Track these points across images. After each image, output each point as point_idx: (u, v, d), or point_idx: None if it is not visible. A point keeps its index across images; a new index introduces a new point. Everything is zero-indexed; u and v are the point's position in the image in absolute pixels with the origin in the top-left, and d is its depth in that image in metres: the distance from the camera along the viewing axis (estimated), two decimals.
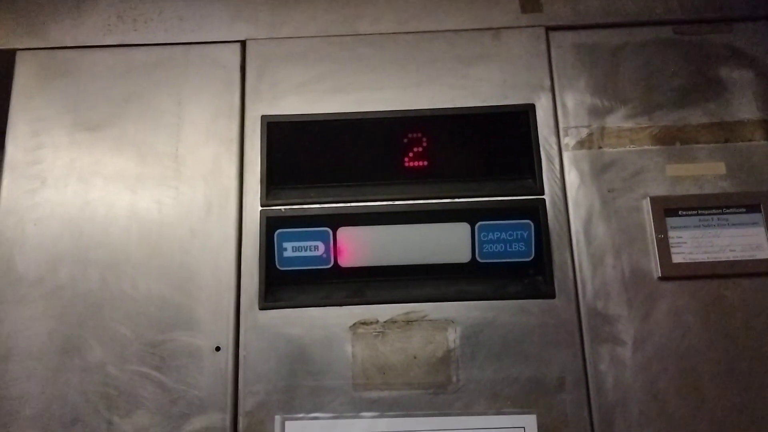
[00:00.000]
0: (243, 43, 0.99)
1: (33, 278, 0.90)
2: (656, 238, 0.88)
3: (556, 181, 0.91)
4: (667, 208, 0.89)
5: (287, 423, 0.82)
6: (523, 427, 0.81)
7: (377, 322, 0.86)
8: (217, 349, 0.86)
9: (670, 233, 0.89)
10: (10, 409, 0.85)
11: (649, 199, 0.89)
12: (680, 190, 0.91)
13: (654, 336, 0.85)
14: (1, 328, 0.88)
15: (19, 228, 0.92)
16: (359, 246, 0.90)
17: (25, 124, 0.96)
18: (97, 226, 0.92)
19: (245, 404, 0.83)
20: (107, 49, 1.00)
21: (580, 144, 0.93)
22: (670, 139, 0.93)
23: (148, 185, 0.93)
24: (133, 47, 1.00)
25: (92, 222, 0.92)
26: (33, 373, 0.86)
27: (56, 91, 0.98)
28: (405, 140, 0.94)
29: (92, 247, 0.91)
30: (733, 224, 0.89)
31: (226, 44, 0.99)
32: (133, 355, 0.86)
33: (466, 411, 0.83)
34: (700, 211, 0.89)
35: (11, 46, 1.00)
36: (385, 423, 0.82)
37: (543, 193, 0.91)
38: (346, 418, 0.82)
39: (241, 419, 0.83)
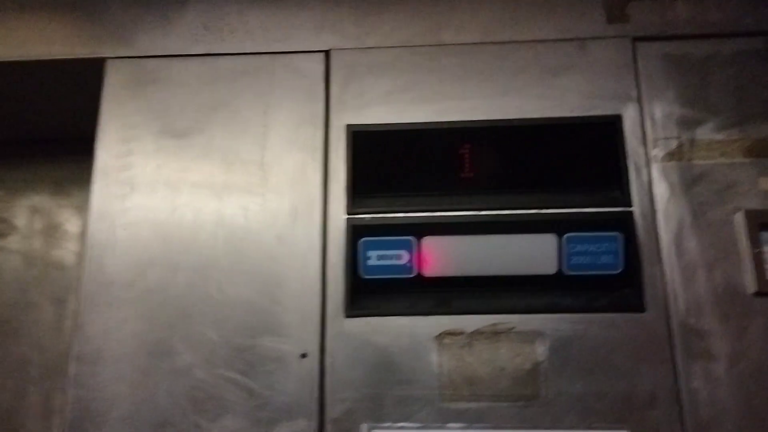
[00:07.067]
0: (327, 53, 1.00)
1: (123, 282, 0.91)
2: (752, 252, 0.85)
3: (644, 193, 0.90)
4: (762, 222, 0.86)
5: None
6: None
7: (464, 332, 0.86)
8: (304, 355, 0.86)
9: (765, 248, 0.86)
10: (100, 409, 0.86)
11: (743, 212, 0.87)
12: None
13: (750, 352, 0.83)
14: (91, 330, 0.90)
15: (110, 232, 0.94)
16: (444, 255, 0.90)
17: (115, 131, 0.99)
18: (185, 231, 0.93)
19: (332, 412, 0.84)
20: (195, 58, 1.02)
21: (669, 156, 0.91)
22: (763, 151, 0.91)
23: (234, 192, 0.94)
24: (220, 56, 1.01)
25: (180, 227, 0.93)
26: (122, 375, 0.87)
27: (145, 99, 1.00)
28: (490, 150, 0.94)
29: (180, 252, 0.92)
30: None
31: (311, 54, 1.00)
32: (220, 360, 0.87)
33: (556, 425, 0.82)
34: None
35: (101, 55, 1.03)
36: None
37: (632, 205, 0.89)
38: (434, 428, 0.82)
39: (328, 427, 0.83)
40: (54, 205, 1.26)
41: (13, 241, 1.24)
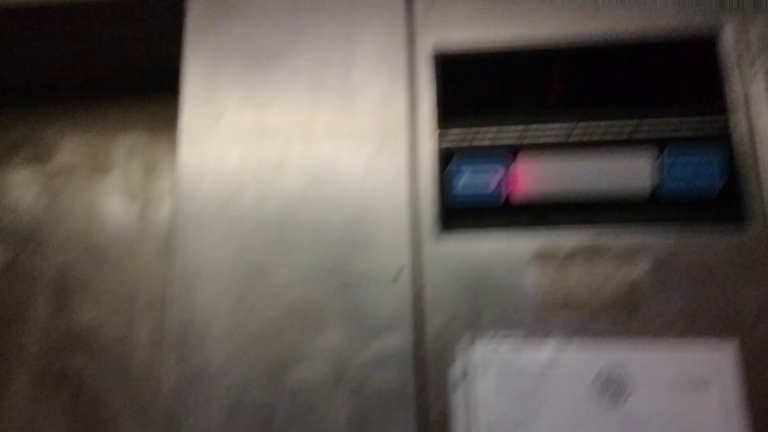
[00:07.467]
0: None
1: (215, 207, 0.93)
2: None
3: (744, 111, 0.87)
4: None
5: (475, 344, 0.82)
6: (721, 355, 0.78)
7: (559, 252, 0.85)
8: (397, 276, 0.86)
9: None
10: (199, 331, 0.88)
11: None
12: None
13: None
14: (187, 256, 0.91)
15: (200, 159, 0.95)
16: (537, 176, 0.89)
17: (200, 61, 0.99)
18: (274, 156, 0.94)
19: (431, 324, 0.84)
20: None
21: None
22: None
23: (321, 118, 0.94)
24: None
25: (269, 152, 0.94)
26: (220, 297, 0.89)
27: (228, 29, 1.00)
28: (583, 67, 0.91)
29: (271, 177, 0.93)
30: None
31: None
32: (315, 280, 0.88)
33: (659, 336, 0.81)
34: None
35: None
36: (573, 346, 0.81)
37: (731, 123, 0.87)
38: (536, 338, 0.82)
39: (428, 339, 0.83)
40: (150, 142, 1.28)
41: (113, 178, 1.27)
